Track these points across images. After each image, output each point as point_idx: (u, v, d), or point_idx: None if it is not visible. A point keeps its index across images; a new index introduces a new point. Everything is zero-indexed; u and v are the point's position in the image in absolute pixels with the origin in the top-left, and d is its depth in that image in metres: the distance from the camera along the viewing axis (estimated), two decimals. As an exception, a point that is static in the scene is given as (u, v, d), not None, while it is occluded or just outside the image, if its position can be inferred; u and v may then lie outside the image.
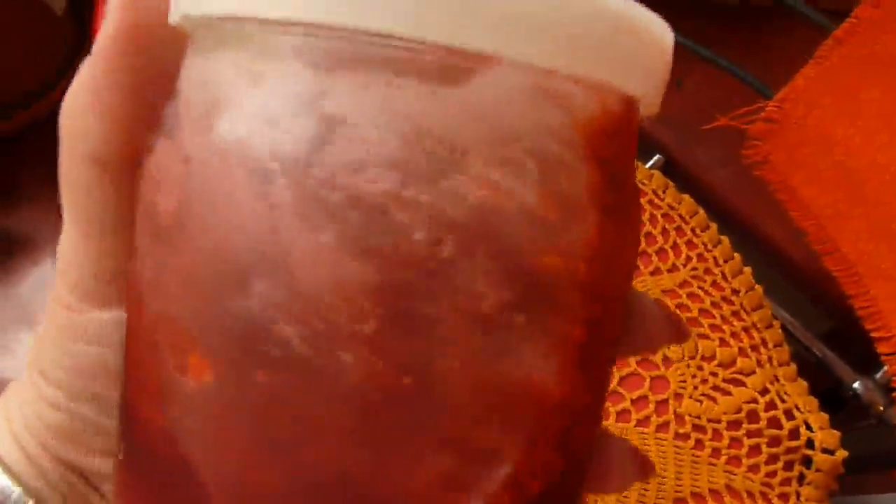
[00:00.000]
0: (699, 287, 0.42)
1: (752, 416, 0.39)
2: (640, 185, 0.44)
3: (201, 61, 0.14)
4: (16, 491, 0.16)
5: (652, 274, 0.43)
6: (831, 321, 0.44)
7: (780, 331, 0.42)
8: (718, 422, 0.39)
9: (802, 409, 0.39)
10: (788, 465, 0.39)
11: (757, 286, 0.42)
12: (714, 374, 0.40)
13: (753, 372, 0.40)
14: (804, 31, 0.39)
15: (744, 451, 0.39)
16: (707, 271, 0.43)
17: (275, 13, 0.12)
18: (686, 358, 0.41)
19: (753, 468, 0.39)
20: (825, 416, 0.39)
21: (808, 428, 0.39)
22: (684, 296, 0.42)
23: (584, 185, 0.13)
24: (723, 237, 0.44)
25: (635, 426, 0.39)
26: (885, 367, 0.41)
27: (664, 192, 0.44)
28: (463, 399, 0.12)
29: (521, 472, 0.13)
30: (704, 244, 0.44)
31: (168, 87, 0.14)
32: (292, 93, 0.12)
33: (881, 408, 0.41)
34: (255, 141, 0.12)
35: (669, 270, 0.43)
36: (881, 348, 0.37)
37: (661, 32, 0.14)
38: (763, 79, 0.40)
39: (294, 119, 0.12)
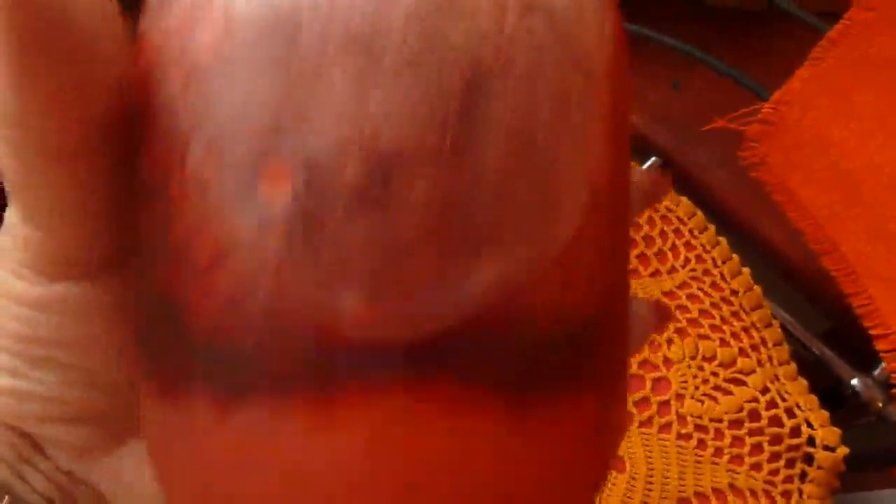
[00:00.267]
0: (698, 288, 0.43)
1: (754, 415, 0.40)
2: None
3: None
4: None
5: (651, 276, 0.43)
6: (829, 321, 0.45)
7: (779, 330, 0.42)
8: (720, 421, 0.40)
9: (803, 408, 0.40)
10: (790, 463, 0.39)
11: (756, 286, 0.43)
12: (715, 375, 0.41)
13: (754, 371, 0.41)
14: (799, 34, 0.40)
15: (746, 449, 0.39)
16: (706, 272, 0.43)
17: None
18: (687, 359, 0.41)
19: (756, 467, 0.39)
20: (826, 414, 0.40)
21: (809, 426, 0.40)
22: (684, 297, 0.42)
23: None
24: (721, 238, 0.44)
25: (638, 427, 0.40)
26: (884, 364, 0.41)
27: (662, 194, 0.45)
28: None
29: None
30: (703, 245, 0.44)
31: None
32: None
33: (880, 404, 0.41)
34: None
35: (668, 272, 0.43)
36: (879, 345, 0.38)
37: None
38: (759, 81, 0.40)
39: None
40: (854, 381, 0.42)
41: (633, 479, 0.38)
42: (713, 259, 0.43)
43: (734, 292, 0.43)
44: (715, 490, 0.38)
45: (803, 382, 0.41)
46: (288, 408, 0.13)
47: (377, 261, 0.12)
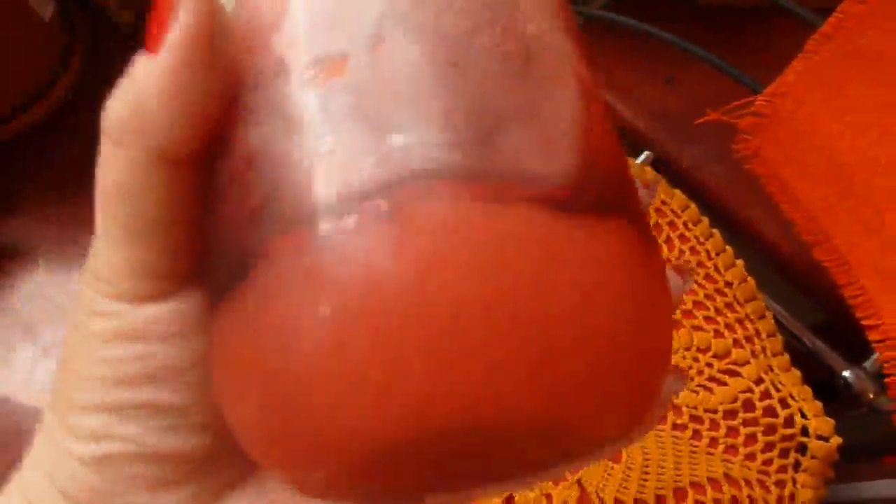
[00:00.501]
0: (693, 280, 0.43)
1: (748, 406, 0.40)
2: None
3: None
4: None
5: (646, 268, 0.43)
6: (822, 313, 0.45)
7: (772, 321, 0.42)
8: (715, 412, 0.40)
9: (797, 398, 0.40)
10: (784, 453, 0.40)
11: (749, 278, 0.43)
12: (709, 366, 0.41)
13: (748, 362, 0.41)
14: (792, 27, 0.40)
15: (740, 439, 0.40)
16: (700, 264, 0.44)
17: None
18: (682, 350, 0.41)
19: (750, 456, 0.39)
20: (819, 405, 0.40)
21: (803, 416, 0.40)
22: (678, 289, 0.43)
23: None
24: (714, 230, 0.44)
25: (633, 418, 0.40)
26: (875, 356, 0.42)
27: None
28: None
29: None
30: (697, 237, 0.44)
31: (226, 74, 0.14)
32: None
33: (871, 395, 0.42)
34: None
35: (663, 264, 0.44)
36: (871, 335, 0.38)
37: None
38: (753, 75, 0.40)
39: None
40: (846, 373, 0.42)
41: (629, 468, 0.38)
42: (707, 251, 0.44)
43: (728, 284, 0.43)
44: (710, 479, 0.38)
45: (797, 373, 0.41)
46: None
47: None
